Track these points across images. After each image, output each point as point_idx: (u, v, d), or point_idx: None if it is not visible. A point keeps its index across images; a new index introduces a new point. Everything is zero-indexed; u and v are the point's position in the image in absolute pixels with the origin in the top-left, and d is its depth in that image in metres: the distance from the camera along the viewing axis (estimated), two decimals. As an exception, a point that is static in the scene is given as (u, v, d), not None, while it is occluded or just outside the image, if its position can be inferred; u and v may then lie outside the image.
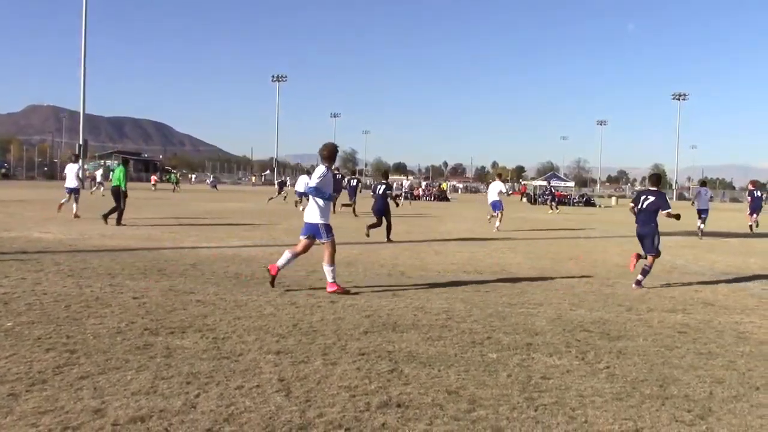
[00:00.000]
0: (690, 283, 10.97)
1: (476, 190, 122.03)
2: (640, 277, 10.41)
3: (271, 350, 5.89)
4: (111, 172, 29.59)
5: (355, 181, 32.70)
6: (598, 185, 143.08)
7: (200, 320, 6.94)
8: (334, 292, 8.77)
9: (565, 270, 12.13)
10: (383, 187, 18.19)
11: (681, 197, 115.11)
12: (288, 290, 8.89)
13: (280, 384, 4.94)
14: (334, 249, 8.95)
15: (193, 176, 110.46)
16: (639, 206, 10.70)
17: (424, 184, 74.76)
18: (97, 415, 4.21)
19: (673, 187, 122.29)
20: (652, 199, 10.57)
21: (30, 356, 5.43)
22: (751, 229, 26.09)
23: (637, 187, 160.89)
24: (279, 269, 8.99)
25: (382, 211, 17.52)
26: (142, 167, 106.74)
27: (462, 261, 12.93)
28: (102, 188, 41.02)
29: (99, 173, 45.90)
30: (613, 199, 77.19)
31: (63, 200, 21.98)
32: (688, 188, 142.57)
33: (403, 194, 49.20)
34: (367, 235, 16.73)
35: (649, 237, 10.53)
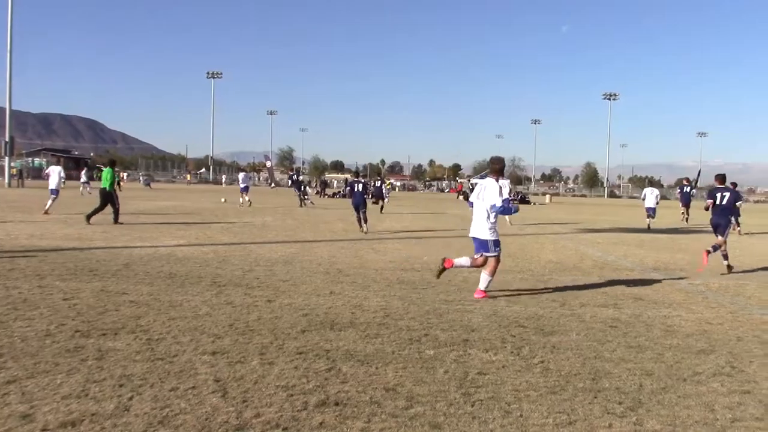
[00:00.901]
0: (621, 279, 11.26)
1: (414, 188, 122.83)
2: (725, 261, 12.71)
3: (206, 351, 5.81)
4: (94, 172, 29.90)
5: (380, 182, 33.53)
6: (533, 183, 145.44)
7: (133, 321, 6.79)
8: (481, 298, 8.85)
9: (501, 266, 12.28)
10: (360, 184, 20.69)
11: (612, 195, 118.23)
12: (224, 289, 8.78)
13: (216, 385, 4.88)
14: (498, 262, 9.08)
15: (125, 174, 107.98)
16: (718, 202, 12.81)
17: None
18: (25, 420, 4.08)
19: (605, 185, 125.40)
20: (728, 195, 12.80)
21: (-47, 361, 5.23)
22: (687, 221, 28.94)
23: (570, 185, 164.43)
24: (453, 266, 9.16)
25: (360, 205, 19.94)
26: (72, 165, 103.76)
27: (400, 259, 12.98)
28: (88, 188, 40.71)
29: (83, 173, 45.81)
30: (547, 197, 78.65)
31: (48, 204, 22.21)
32: (619, 186, 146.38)
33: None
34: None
35: (723, 225, 12.81)
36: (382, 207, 29.94)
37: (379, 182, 31.90)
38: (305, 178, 61.48)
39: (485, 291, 8.95)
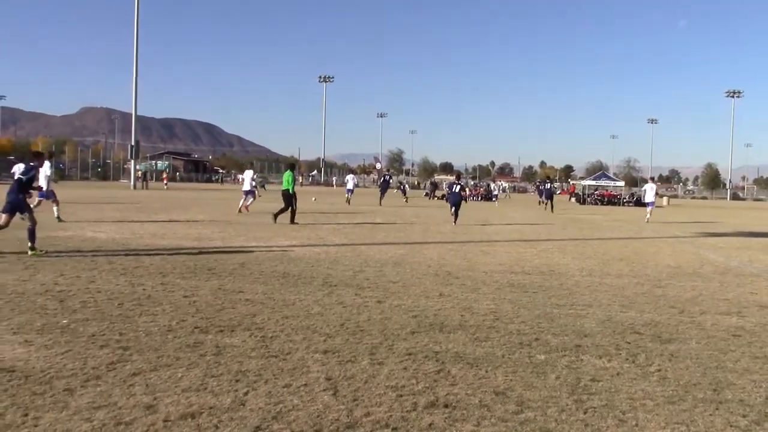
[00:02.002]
0: (745, 286, 10.70)
1: (524, 190, 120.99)
2: None
3: (318, 349, 5.93)
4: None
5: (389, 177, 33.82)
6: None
7: (249, 319, 7.03)
8: None
9: (615, 271, 11.95)
10: (458, 186, 23.61)
11: (735, 197, 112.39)
12: (335, 289, 8.94)
13: (327, 383, 4.98)
14: None
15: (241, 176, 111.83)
16: None
17: (471, 183, 74.33)
18: (149, 411, 4.29)
19: (728, 186, 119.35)
20: None
21: (84, 353, 5.57)
22: None
23: (689, 187, 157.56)
24: None
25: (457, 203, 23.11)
26: (192, 167, 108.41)
27: (509, 261, 12.83)
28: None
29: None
30: (665, 198, 75.74)
31: (243, 202, 25.35)
32: (743, 188, 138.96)
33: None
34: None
35: None
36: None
37: (458, 187, 26.15)
38: (401, 178, 61.83)
39: None
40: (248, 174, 26.60)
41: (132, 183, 57.25)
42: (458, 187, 23.77)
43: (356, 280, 9.88)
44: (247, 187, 25.86)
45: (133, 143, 60.86)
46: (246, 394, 4.67)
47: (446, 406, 4.57)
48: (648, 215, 29.97)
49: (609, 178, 72.36)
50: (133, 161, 61.76)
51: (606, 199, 59.37)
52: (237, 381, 4.95)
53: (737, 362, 6.02)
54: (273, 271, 10.47)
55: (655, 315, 8.02)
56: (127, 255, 11.72)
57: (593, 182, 68.06)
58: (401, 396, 4.75)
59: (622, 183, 74.86)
